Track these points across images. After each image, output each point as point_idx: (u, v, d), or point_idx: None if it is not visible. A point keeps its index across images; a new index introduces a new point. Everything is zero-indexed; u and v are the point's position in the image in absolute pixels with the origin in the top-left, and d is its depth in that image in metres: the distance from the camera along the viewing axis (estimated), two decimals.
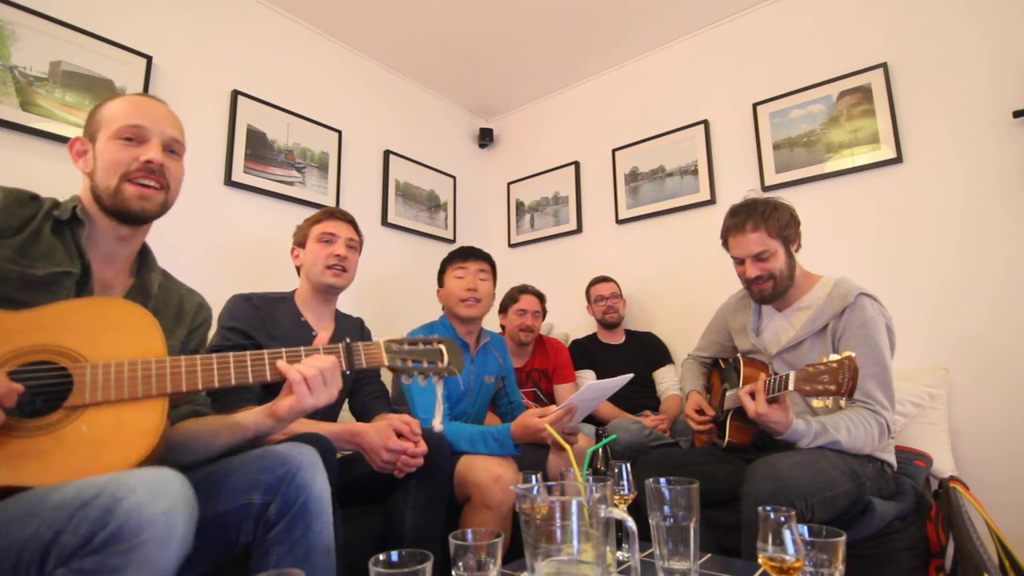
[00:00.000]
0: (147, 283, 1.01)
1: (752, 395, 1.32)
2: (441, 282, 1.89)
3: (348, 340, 0.99)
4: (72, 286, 0.88)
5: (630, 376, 1.60)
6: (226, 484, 0.87)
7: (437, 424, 1.13)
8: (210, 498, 0.85)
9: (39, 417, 0.75)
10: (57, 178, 1.40)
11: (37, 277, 0.84)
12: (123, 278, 1.01)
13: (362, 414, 1.59)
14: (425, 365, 1.03)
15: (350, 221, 1.66)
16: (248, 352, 0.89)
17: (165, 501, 0.64)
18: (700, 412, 1.69)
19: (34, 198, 0.92)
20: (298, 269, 1.64)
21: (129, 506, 0.61)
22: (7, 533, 0.63)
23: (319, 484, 0.89)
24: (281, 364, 0.90)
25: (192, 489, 0.71)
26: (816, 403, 1.19)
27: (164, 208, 0.99)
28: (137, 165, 0.93)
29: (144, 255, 1.05)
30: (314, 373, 0.90)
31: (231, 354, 0.87)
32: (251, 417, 0.94)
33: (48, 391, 0.76)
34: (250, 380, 0.88)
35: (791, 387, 1.23)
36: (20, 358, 0.76)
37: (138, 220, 0.97)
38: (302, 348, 0.93)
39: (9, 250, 0.84)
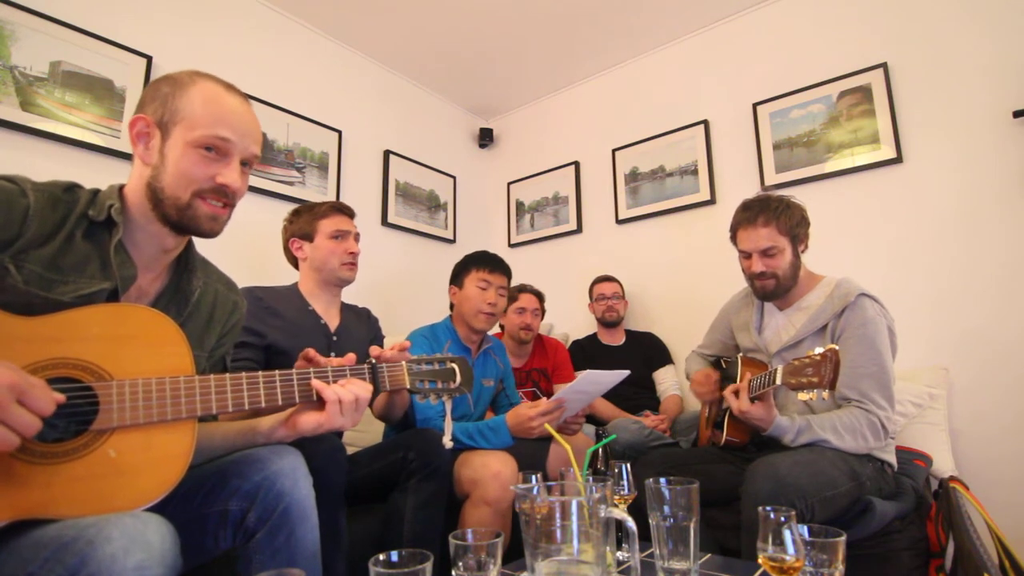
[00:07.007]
0: (186, 288, 0.94)
1: (736, 394, 1.38)
2: (460, 282, 1.84)
3: (373, 361, 0.98)
4: (103, 301, 0.81)
5: (626, 372, 1.60)
6: (202, 489, 0.85)
7: (447, 441, 1.14)
8: (185, 502, 0.83)
9: (61, 442, 0.68)
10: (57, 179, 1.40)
11: (63, 304, 0.75)
12: (160, 282, 0.93)
13: None
14: (439, 386, 1.04)
15: (353, 216, 1.72)
16: (277, 372, 0.86)
17: (139, 555, 0.61)
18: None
19: (69, 189, 0.83)
20: (295, 260, 1.66)
21: (102, 556, 0.58)
22: None
23: (301, 489, 0.86)
24: (316, 383, 0.88)
25: (172, 537, 0.67)
26: (801, 396, 1.20)
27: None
28: (212, 185, 0.86)
29: (186, 253, 0.96)
30: (351, 399, 0.89)
31: (260, 373, 0.84)
32: (267, 426, 0.92)
33: (73, 413, 0.69)
34: (279, 402, 0.85)
35: (779, 381, 1.25)
36: (39, 374, 0.67)
37: (202, 237, 0.90)
38: (329, 368, 0.91)
39: (39, 265, 0.76)
